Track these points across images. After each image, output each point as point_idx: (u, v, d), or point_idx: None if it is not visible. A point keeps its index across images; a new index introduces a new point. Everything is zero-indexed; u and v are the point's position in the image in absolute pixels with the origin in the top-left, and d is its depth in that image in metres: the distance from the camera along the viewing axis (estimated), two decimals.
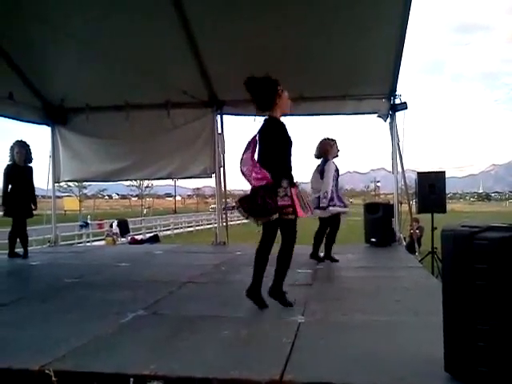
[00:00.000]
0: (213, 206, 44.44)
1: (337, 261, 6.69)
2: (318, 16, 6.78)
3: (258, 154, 4.05)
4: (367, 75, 7.92)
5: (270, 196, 3.84)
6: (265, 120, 4.20)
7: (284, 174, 3.98)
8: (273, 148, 4.01)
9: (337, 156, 6.85)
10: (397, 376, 2.48)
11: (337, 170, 6.77)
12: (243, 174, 4.11)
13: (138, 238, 22.00)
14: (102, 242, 20.46)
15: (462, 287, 2.33)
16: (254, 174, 3.94)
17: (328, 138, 6.86)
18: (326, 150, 6.74)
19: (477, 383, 2.30)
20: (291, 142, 4.17)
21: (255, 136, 4.15)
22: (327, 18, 6.85)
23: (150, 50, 7.55)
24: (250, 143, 4.12)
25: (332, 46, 7.35)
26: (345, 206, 6.90)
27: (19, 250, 7.81)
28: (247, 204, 3.96)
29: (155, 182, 56.41)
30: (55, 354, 2.88)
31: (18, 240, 7.75)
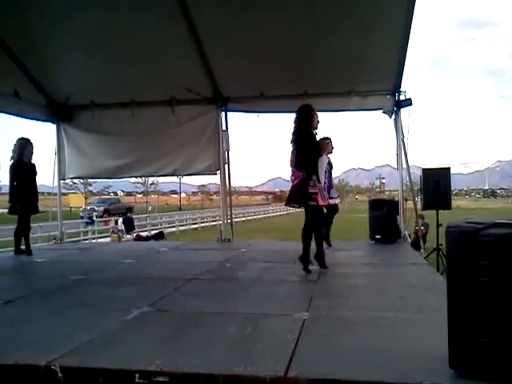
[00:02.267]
0: (89, 207, 42.17)
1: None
2: (322, 13, 6.77)
3: (296, 160, 5.54)
4: (372, 71, 7.89)
5: (303, 188, 5.41)
6: (304, 135, 5.58)
7: (313, 172, 5.46)
8: (308, 155, 5.47)
9: (331, 152, 7.55)
10: (402, 372, 2.48)
11: (330, 164, 7.41)
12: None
13: (143, 234, 22.05)
14: (108, 239, 20.55)
15: (466, 284, 2.33)
16: (293, 177, 5.65)
17: (323, 138, 7.36)
18: (323, 148, 7.18)
19: (481, 379, 2.30)
20: (319, 151, 5.83)
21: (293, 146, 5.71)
22: (332, 14, 6.83)
23: (154, 47, 7.57)
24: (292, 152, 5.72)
25: (336, 42, 7.33)
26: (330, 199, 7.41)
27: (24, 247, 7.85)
28: (290, 197, 5.68)
29: (160, 179, 56.50)
30: (61, 350, 2.90)
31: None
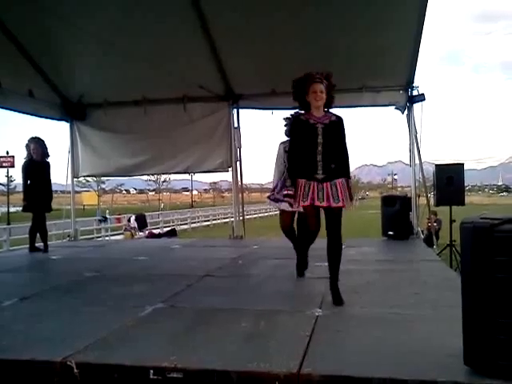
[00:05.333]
0: None
1: None
2: (333, 9, 6.74)
3: None
4: (384, 67, 7.83)
5: None
6: None
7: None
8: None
9: None
10: (416, 369, 2.47)
11: None
12: None
13: (156, 232, 22.16)
14: (121, 236, 20.68)
15: (481, 280, 2.31)
16: None
17: None
18: None
19: (497, 376, 2.28)
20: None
21: None
22: (343, 10, 6.79)
23: (166, 45, 7.59)
24: None
25: (349, 38, 7.28)
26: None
27: (39, 244, 7.93)
28: None
29: (172, 177, 56.68)
30: (76, 346, 2.93)
31: (38, 235, 7.88)
